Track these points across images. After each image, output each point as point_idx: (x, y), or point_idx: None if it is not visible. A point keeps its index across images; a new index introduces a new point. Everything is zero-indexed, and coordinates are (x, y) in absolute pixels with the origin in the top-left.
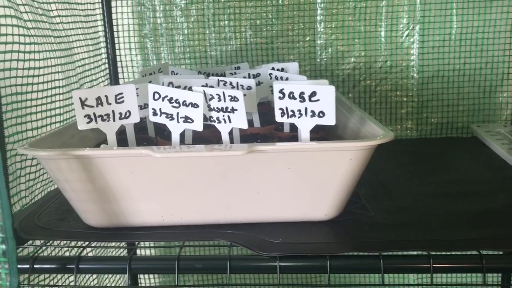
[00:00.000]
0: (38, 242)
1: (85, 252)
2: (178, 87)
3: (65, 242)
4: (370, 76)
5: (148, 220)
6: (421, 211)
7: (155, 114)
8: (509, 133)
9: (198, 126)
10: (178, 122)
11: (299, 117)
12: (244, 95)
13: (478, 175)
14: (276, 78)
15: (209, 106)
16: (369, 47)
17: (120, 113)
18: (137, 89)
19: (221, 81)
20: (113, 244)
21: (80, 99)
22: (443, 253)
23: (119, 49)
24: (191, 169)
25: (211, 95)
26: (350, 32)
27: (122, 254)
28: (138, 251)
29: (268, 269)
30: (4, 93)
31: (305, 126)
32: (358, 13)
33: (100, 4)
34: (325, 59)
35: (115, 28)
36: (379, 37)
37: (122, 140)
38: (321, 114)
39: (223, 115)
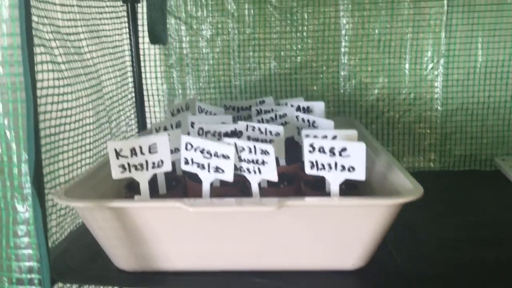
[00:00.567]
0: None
1: None
2: (208, 132)
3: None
4: (394, 108)
5: (178, 266)
6: (446, 261)
7: (186, 163)
8: None
9: (229, 176)
10: (209, 172)
11: (328, 171)
12: (272, 140)
13: (503, 218)
14: (303, 120)
15: (239, 157)
16: (393, 79)
17: (153, 163)
18: (168, 135)
19: (250, 126)
20: None
21: (115, 149)
22: None
23: (145, 78)
24: (221, 220)
25: (242, 147)
26: (374, 64)
27: None
28: None
29: None
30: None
31: (334, 179)
32: (382, 45)
33: (128, 35)
34: (348, 90)
35: (141, 58)
36: (403, 69)
37: (151, 180)
38: (351, 169)
39: (254, 167)
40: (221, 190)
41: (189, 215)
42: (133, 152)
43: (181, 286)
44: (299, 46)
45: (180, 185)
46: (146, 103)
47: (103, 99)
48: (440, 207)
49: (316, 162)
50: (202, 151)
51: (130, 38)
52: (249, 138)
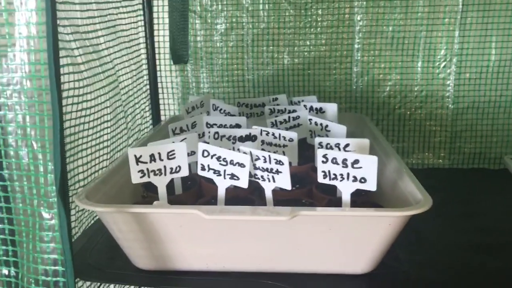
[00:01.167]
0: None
1: None
2: (223, 136)
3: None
4: (405, 105)
5: (193, 266)
6: (454, 267)
7: (203, 169)
8: None
9: (244, 183)
10: (224, 178)
11: (341, 181)
12: (286, 145)
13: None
14: (316, 124)
15: (254, 164)
16: (405, 77)
17: (171, 168)
18: (185, 139)
19: (264, 131)
20: None
21: (135, 156)
22: None
23: (160, 71)
24: (236, 226)
25: (257, 156)
26: (387, 61)
27: None
28: None
29: None
30: None
31: (346, 189)
32: (396, 43)
33: (143, 28)
34: (361, 87)
35: (156, 51)
36: (416, 67)
37: None
38: (362, 180)
39: (268, 175)
40: (235, 191)
41: (205, 221)
42: (152, 158)
43: (196, 286)
44: (313, 42)
45: (195, 185)
46: (160, 96)
47: (120, 95)
48: (448, 209)
49: (329, 172)
50: (218, 158)
51: (145, 31)
52: (263, 142)
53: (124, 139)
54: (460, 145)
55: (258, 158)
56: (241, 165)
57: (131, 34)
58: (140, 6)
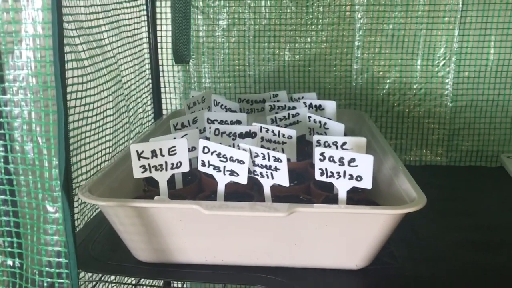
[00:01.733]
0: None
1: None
2: (224, 132)
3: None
4: (404, 103)
5: (192, 260)
6: (447, 264)
7: (203, 165)
8: None
9: (243, 179)
10: (224, 174)
11: (337, 178)
12: (285, 142)
13: (505, 222)
14: (315, 121)
15: (253, 161)
16: (404, 74)
17: (172, 164)
18: (186, 135)
19: (264, 128)
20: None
21: (137, 151)
22: None
23: (162, 65)
24: (234, 221)
25: (256, 153)
26: (387, 59)
27: None
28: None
29: None
30: None
31: (342, 187)
32: (396, 41)
33: (146, 22)
34: (360, 84)
35: (159, 46)
36: (415, 65)
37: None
38: (358, 178)
39: (266, 172)
40: (235, 186)
41: (205, 216)
42: (153, 153)
43: (195, 278)
44: (314, 39)
45: (195, 180)
46: (162, 90)
47: (122, 89)
48: (443, 205)
49: (326, 169)
50: (218, 155)
51: (148, 27)
52: (262, 139)
53: (126, 133)
54: (458, 143)
55: (257, 155)
56: (241, 162)
57: (134, 29)
58: (143, 1)
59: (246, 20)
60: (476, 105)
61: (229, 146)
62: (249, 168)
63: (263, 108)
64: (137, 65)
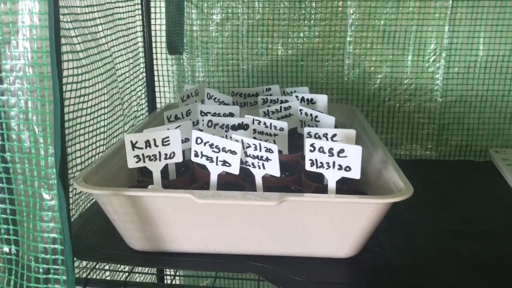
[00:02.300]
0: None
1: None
2: (217, 124)
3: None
4: (395, 98)
5: (185, 248)
6: (434, 254)
7: (196, 155)
8: None
9: (235, 170)
10: (217, 164)
11: (327, 169)
12: (276, 134)
13: (491, 214)
14: (306, 114)
15: (245, 152)
16: (395, 70)
17: (166, 154)
18: (179, 126)
19: (256, 120)
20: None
21: (131, 141)
22: None
23: (156, 59)
24: (226, 210)
25: (248, 144)
26: (378, 54)
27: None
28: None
29: None
30: None
31: (332, 177)
32: (387, 36)
33: (140, 16)
34: (352, 79)
35: (153, 39)
36: (406, 60)
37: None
38: (347, 169)
39: (258, 162)
40: (227, 177)
41: (197, 205)
42: (147, 144)
43: (188, 267)
44: (306, 34)
45: (188, 171)
46: (156, 84)
47: (117, 82)
48: (432, 198)
49: (316, 160)
50: (211, 146)
51: (142, 20)
52: (255, 131)
53: (121, 125)
54: (447, 138)
55: (249, 146)
56: (233, 152)
57: (129, 23)
58: None
59: (239, 14)
60: (466, 100)
61: (222, 137)
62: (241, 159)
63: (256, 102)
64: (132, 59)
